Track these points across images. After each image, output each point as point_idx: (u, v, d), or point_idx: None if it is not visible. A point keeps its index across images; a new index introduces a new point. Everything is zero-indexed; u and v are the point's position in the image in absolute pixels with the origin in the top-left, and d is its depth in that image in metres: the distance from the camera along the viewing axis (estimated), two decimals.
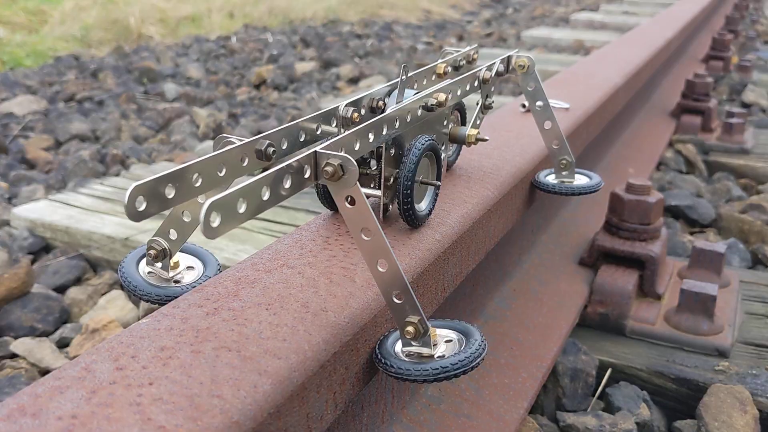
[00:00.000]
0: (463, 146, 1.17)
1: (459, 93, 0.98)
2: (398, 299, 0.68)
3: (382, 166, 0.83)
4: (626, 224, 1.51)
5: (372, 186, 0.88)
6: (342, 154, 0.65)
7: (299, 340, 0.63)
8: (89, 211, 2.10)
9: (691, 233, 2.07)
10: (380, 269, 0.67)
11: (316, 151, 0.66)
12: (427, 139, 0.84)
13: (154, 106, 3.58)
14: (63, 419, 0.51)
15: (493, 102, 1.08)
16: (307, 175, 0.65)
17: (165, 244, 0.78)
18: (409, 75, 0.98)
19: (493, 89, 1.09)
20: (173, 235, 0.77)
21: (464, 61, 1.13)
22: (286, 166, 0.63)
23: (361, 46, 5.33)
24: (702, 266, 1.55)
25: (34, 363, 1.44)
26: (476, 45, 1.18)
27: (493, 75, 1.07)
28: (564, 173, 1.19)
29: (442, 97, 0.91)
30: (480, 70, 1.04)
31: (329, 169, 0.65)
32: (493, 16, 7.64)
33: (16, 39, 5.76)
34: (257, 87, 4.15)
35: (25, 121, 3.30)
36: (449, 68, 1.09)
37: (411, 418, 1.00)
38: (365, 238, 0.67)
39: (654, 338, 1.41)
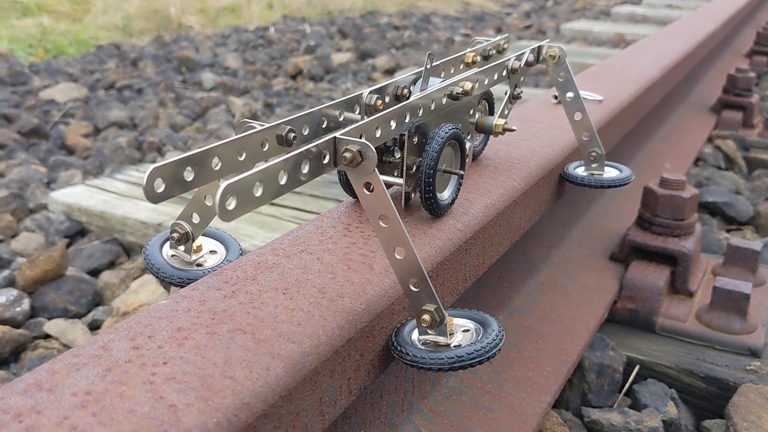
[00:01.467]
0: (491, 136, 1.15)
1: (486, 82, 0.97)
2: (415, 287, 0.68)
3: (405, 154, 0.82)
4: (659, 219, 1.48)
5: (395, 174, 0.87)
6: (361, 140, 0.65)
7: (314, 325, 0.63)
8: (124, 197, 2.13)
9: (728, 230, 2.03)
10: (398, 257, 0.67)
11: (335, 137, 0.66)
12: (450, 128, 0.84)
13: (191, 95, 3.62)
14: (77, 395, 0.52)
15: (521, 92, 1.06)
16: (326, 161, 0.65)
17: (188, 228, 0.79)
18: (435, 64, 0.97)
19: (522, 79, 1.08)
20: (196, 218, 0.78)
21: (494, 51, 1.12)
22: (305, 151, 0.63)
23: (398, 38, 5.32)
24: (737, 264, 1.51)
25: (66, 344, 1.48)
26: (506, 35, 1.17)
27: (522, 65, 1.06)
28: (594, 165, 1.17)
29: (467, 85, 0.90)
30: (509, 59, 1.03)
31: (348, 155, 0.65)
32: (532, 8, 7.55)
33: (60, 28, 5.87)
34: (293, 77, 4.17)
35: (66, 108, 3.36)
36: (478, 57, 1.08)
37: (431, 408, 1.00)
38: (383, 225, 0.67)
39: (684, 336, 1.38)
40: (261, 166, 0.58)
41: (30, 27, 5.79)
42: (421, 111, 0.81)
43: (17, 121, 3.13)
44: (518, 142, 1.18)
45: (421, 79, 0.85)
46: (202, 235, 0.85)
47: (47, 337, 1.52)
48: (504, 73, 1.02)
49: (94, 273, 1.81)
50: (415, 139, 0.84)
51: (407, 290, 0.68)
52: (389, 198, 0.66)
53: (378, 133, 0.73)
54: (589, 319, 1.34)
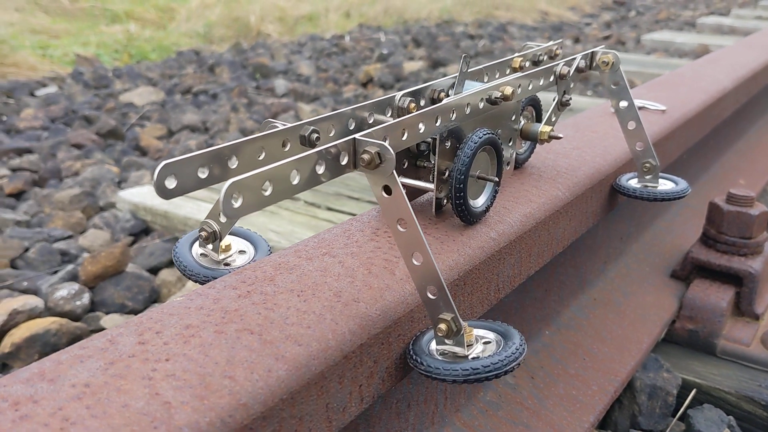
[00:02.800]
0: (537, 144, 1.12)
1: (530, 87, 0.94)
2: (432, 295, 0.65)
3: (436, 158, 0.80)
4: (724, 237, 1.41)
5: (430, 179, 0.85)
6: (379, 141, 0.63)
7: (323, 328, 0.62)
8: (188, 197, 2.18)
9: None
10: (415, 262, 0.65)
11: (355, 138, 0.64)
12: (485, 133, 0.81)
13: (263, 100, 3.69)
14: (76, 387, 0.52)
15: (570, 99, 1.03)
16: (344, 162, 0.64)
17: (215, 227, 0.79)
18: (479, 68, 0.95)
19: (572, 86, 1.04)
20: (223, 217, 0.78)
21: (545, 57, 1.08)
22: (323, 151, 0.62)
23: (472, 47, 5.28)
24: None
25: None
26: (560, 40, 1.13)
27: (572, 71, 1.02)
28: (647, 177, 1.12)
29: (508, 90, 0.87)
30: (557, 64, 1.00)
31: (366, 156, 0.64)
32: (613, 18, 7.38)
33: (145, 34, 6.09)
34: (364, 85, 4.20)
35: (143, 111, 3.48)
36: (527, 63, 1.05)
37: (464, 422, 0.97)
38: (401, 229, 0.65)
39: (747, 360, 1.30)
40: (272, 165, 0.57)
41: (117, 33, 6.03)
42: (454, 114, 0.79)
43: (96, 122, 3.25)
44: (568, 151, 1.14)
45: (456, 82, 0.83)
46: (232, 234, 0.85)
47: (103, 330, 1.56)
48: (551, 78, 0.99)
49: (154, 270, 1.86)
50: (448, 144, 0.82)
51: (424, 297, 0.66)
52: (407, 201, 0.64)
53: (405, 136, 0.72)
54: (642, 337, 1.28)
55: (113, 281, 1.71)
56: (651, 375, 1.24)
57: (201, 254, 0.82)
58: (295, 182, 0.59)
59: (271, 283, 0.68)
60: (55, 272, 1.82)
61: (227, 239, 0.82)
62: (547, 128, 1.00)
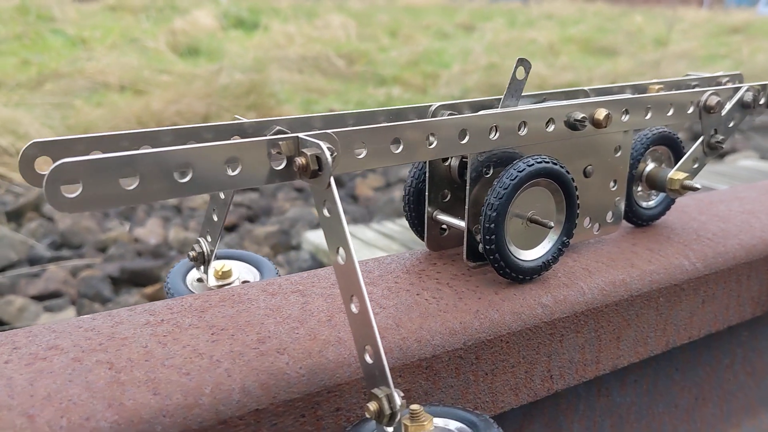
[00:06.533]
0: (670, 196, 0.84)
1: (648, 117, 0.70)
2: (370, 358, 0.47)
3: (468, 186, 0.61)
4: None
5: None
6: (319, 141, 0.47)
7: (206, 378, 0.46)
8: (367, 244, 2.11)
9: None
10: (353, 309, 0.47)
11: (298, 136, 0.49)
12: (539, 161, 0.60)
13: None
14: None
15: (722, 140, 0.76)
16: (281, 166, 0.49)
17: (203, 247, 0.67)
18: (579, 89, 0.73)
19: (732, 125, 0.77)
20: (208, 237, 0.67)
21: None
22: (240, 144, 0.47)
23: None
24: None
25: None
26: (737, 72, 0.86)
27: (726, 104, 0.76)
28: None
29: (600, 113, 0.65)
30: (702, 92, 0.74)
31: (300, 160, 0.48)
32: None
33: (405, 97, 6.35)
34: None
35: None
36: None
37: None
38: (340, 261, 0.48)
39: None
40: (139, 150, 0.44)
41: (380, 95, 6.36)
42: (496, 134, 0.59)
43: None
44: (733, 214, 0.85)
45: (506, 92, 0.63)
46: (236, 259, 0.73)
47: None
48: (690, 110, 0.74)
49: None
50: (490, 172, 0.62)
51: (362, 361, 0.47)
52: (345, 225, 0.47)
53: (399, 149, 0.54)
54: None
55: None
56: None
57: (197, 279, 0.71)
58: (184, 180, 0.45)
59: (198, 315, 0.54)
60: None
61: (228, 264, 0.70)
62: (680, 175, 0.74)
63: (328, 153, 0.47)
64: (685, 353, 0.85)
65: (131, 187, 0.43)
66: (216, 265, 0.69)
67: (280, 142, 0.49)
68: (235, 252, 0.74)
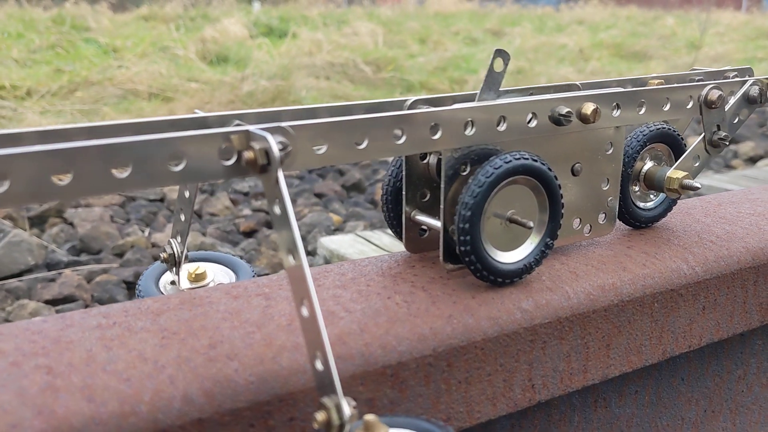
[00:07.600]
0: (669, 196, 0.80)
1: (642, 112, 0.66)
2: (321, 365, 0.44)
3: (442, 183, 0.58)
4: None
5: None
6: (270, 136, 0.45)
7: (146, 385, 0.44)
8: (381, 250, 2.08)
9: None
10: (304, 313, 0.44)
11: (248, 129, 0.46)
12: (517, 157, 0.57)
13: None
14: None
15: (725, 137, 0.71)
16: (231, 161, 0.46)
17: (174, 249, 0.65)
18: (569, 83, 0.70)
19: (737, 121, 0.73)
20: (179, 238, 0.64)
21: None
22: (186, 137, 0.45)
23: None
24: None
25: None
26: (747, 66, 0.81)
27: (728, 98, 0.72)
28: None
29: (588, 108, 0.62)
30: (703, 86, 0.70)
31: (248, 155, 0.45)
32: None
33: None
34: None
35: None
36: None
37: None
38: (291, 262, 0.45)
39: None
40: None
41: None
42: (472, 129, 0.56)
43: (345, 175, 3.36)
44: (741, 216, 0.81)
45: (482, 85, 0.60)
46: (212, 261, 0.71)
47: None
48: (690, 105, 0.70)
49: None
50: (468, 170, 0.59)
51: (312, 367, 0.44)
52: (295, 224, 0.44)
53: (363, 145, 0.51)
54: None
55: None
56: None
57: (171, 282, 0.68)
58: (123, 175, 0.43)
59: (153, 318, 0.52)
60: None
61: (202, 266, 0.68)
62: (679, 174, 0.70)
63: (276, 147, 0.44)
64: (691, 363, 0.80)
65: (64, 183, 0.41)
66: (190, 267, 0.67)
67: (232, 136, 0.46)
68: (211, 254, 0.71)
